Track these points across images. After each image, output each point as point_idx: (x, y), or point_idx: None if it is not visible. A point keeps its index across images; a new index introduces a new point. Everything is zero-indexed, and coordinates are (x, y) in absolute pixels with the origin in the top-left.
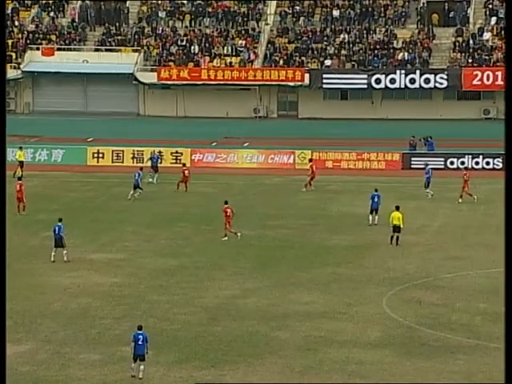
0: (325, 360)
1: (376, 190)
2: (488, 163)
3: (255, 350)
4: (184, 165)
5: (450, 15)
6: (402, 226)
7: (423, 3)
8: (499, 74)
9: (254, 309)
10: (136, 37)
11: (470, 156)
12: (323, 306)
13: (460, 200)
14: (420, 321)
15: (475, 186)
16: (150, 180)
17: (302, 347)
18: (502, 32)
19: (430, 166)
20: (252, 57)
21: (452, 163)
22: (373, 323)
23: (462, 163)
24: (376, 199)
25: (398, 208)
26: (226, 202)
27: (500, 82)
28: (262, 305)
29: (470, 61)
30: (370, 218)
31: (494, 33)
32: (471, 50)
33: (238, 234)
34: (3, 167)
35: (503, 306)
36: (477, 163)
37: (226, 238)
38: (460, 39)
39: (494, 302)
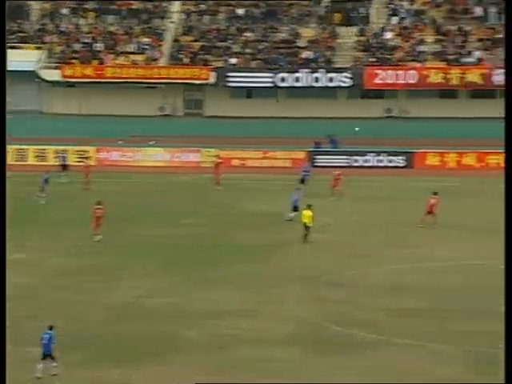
0: (233, 358)
1: (298, 189)
2: (391, 161)
3: (162, 349)
4: (86, 163)
5: (353, 15)
6: (311, 225)
7: (326, 3)
8: (401, 72)
9: (162, 308)
10: (39, 34)
11: (374, 154)
12: (232, 304)
13: (332, 198)
14: (327, 318)
15: (379, 184)
16: (59, 180)
17: (209, 346)
18: (403, 31)
19: (307, 165)
20: (157, 55)
21: (356, 161)
22: (281, 321)
23: (366, 161)
24: (295, 197)
25: (309, 206)
26: (99, 203)
27: (401, 80)
28: (169, 304)
29: (372, 60)
30: (291, 215)
31: (395, 32)
32: (373, 49)
33: (98, 238)
34: (3, 167)
35: (407, 301)
36: (380, 161)
37: (100, 237)
38: (362, 38)
39: (397, 297)
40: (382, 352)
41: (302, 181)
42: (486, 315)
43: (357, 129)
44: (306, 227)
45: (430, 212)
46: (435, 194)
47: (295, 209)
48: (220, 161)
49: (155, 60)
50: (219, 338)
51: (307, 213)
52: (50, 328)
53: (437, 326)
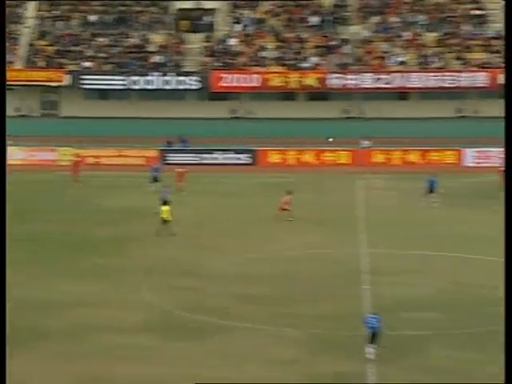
0: (88, 345)
1: (166, 186)
2: (237, 158)
3: (19, 338)
4: None
5: (199, 22)
6: (169, 219)
7: (174, 11)
8: (245, 76)
9: (18, 299)
10: None
11: (221, 152)
12: (88, 295)
13: (185, 192)
14: (178, 306)
15: (226, 180)
16: None
17: (65, 334)
18: (246, 38)
19: (159, 164)
20: (13, 58)
21: (205, 159)
22: (134, 309)
23: (214, 159)
24: (162, 192)
25: (166, 202)
26: None
27: (245, 84)
28: (25, 295)
29: (218, 64)
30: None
31: (239, 39)
32: (219, 55)
33: None
34: (3, 167)
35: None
36: (227, 158)
37: None
38: (208, 44)
39: (244, 286)
40: (231, 336)
41: (155, 178)
42: (328, 300)
43: (330, 139)
44: (165, 221)
45: (283, 209)
46: (289, 192)
47: (165, 203)
48: (79, 159)
49: (11, 63)
50: (77, 327)
51: (165, 208)
52: None
53: (282, 311)
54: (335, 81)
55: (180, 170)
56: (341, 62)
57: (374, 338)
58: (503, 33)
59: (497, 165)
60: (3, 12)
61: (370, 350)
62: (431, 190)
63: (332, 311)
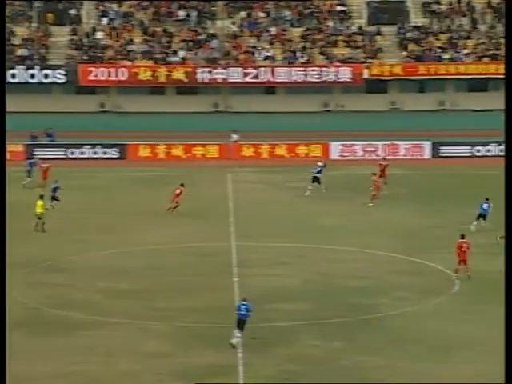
0: None
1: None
2: (105, 153)
3: None
4: None
5: (64, 15)
6: (43, 214)
7: (39, 3)
8: (113, 70)
9: None
10: None
11: (89, 146)
12: None
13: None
14: (44, 302)
15: (95, 174)
16: None
17: None
18: (113, 31)
19: (33, 160)
20: None
21: (73, 153)
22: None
23: (82, 153)
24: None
25: (41, 197)
26: None
27: (113, 77)
28: None
29: (85, 58)
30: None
31: (106, 32)
32: (86, 48)
33: None
34: (3, 167)
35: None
36: (95, 153)
37: None
38: (75, 37)
39: (112, 280)
40: (98, 331)
41: (28, 172)
42: (198, 293)
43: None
44: (39, 217)
45: (175, 201)
46: (182, 185)
47: (55, 198)
48: None
49: None
50: None
51: (39, 202)
52: None
53: (152, 305)
54: (204, 75)
55: (45, 165)
56: (209, 57)
57: (240, 324)
58: (365, 28)
59: (361, 158)
60: (3, 12)
61: (236, 335)
62: (317, 180)
63: (202, 304)
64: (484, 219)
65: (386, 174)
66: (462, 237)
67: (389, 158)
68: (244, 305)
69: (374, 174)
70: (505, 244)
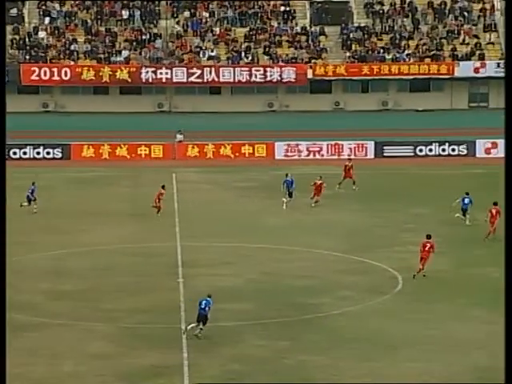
0: None
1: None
2: (48, 153)
3: None
4: None
5: (7, 14)
6: None
7: None
8: (55, 70)
9: None
10: None
11: (31, 146)
12: None
13: None
14: None
15: (36, 175)
16: None
17: None
18: (55, 31)
19: None
20: None
21: (15, 153)
22: None
23: (25, 153)
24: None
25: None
26: None
27: (56, 77)
28: None
29: (27, 57)
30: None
31: (48, 32)
32: (28, 48)
33: None
34: (3, 167)
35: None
36: (38, 153)
37: None
38: (17, 37)
39: (56, 281)
40: (41, 333)
41: None
42: (143, 294)
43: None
44: None
45: (157, 201)
46: (163, 187)
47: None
48: None
49: None
50: None
51: None
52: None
53: (96, 306)
54: (148, 75)
55: None
56: (153, 56)
57: (199, 318)
58: (309, 29)
59: (306, 158)
60: (3, 12)
61: (192, 326)
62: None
63: (148, 305)
64: (464, 215)
65: (352, 174)
66: (428, 236)
67: (353, 157)
68: (206, 300)
69: (321, 178)
70: (505, 244)
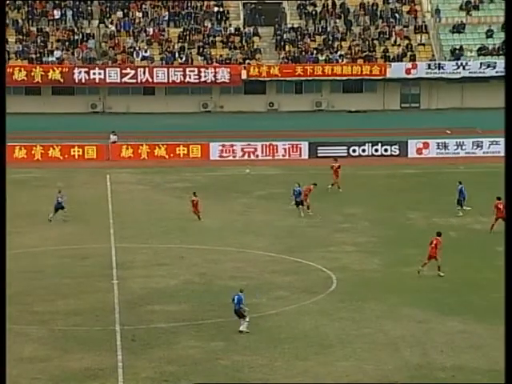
0: None
1: None
2: None
3: None
4: None
5: None
6: None
7: None
8: None
9: None
10: None
11: None
12: None
13: None
14: None
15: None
16: None
17: None
18: None
19: None
20: None
21: None
22: None
23: None
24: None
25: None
26: None
27: None
28: None
29: None
30: None
31: None
32: None
33: None
34: (3, 167)
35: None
36: None
37: None
38: None
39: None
40: None
41: None
42: (76, 296)
43: (247, 170)
44: None
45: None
46: (194, 193)
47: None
48: None
49: None
50: None
51: None
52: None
53: (27, 309)
54: (81, 75)
55: None
56: (86, 57)
57: (237, 313)
58: (243, 29)
59: (241, 158)
60: (3, 12)
61: (241, 323)
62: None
63: (81, 307)
64: (460, 204)
65: (339, 175)
66: (438, 234)
67: (339, 157)
68: (238, 295)
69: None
70: (505, 243)
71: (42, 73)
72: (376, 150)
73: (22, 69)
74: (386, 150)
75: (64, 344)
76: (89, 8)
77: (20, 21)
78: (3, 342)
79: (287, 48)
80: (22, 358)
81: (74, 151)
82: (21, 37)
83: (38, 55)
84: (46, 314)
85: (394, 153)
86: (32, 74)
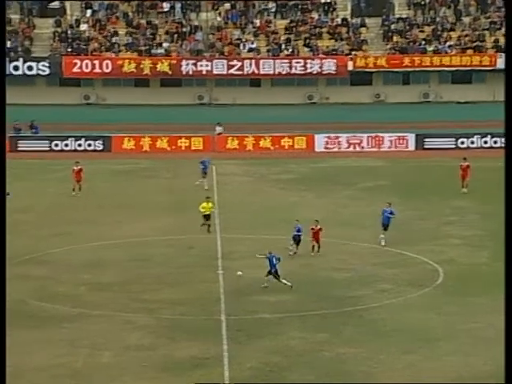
0: None
1: None
2: (89, 145)
3: None
4: None
5: (49, 7)
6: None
7: None
8: (97, 62)
9: None
10: None
11: (73, 138)
12: None
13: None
14: (29, 294)
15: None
16: None
17: None
18: (97, 24)
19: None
20: None
21: (57, 145)
22: None
23: (66, 145)
24: None
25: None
26: None
27: (98, 70)
28: None
29: (69, 50)
30: None
31: (90, 24)
32: (70, 40)
33: None
34: (3, 167)
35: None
36: (79, 145)
37: None
38: (59, 29)
39: (97, 273)
40: (82, 324)
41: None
42: (182, 285)
43: (239, 273)
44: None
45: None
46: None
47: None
48: None
49: None
50: None
51: (206, 205)
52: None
53: (136, 297)
54: (188, 67)
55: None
56: (193, 49)
57: (270, 273)
58: (350, 20)
59: (346, 150)
60: (3, 12)
61: (282, 281)
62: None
63: (187, 296)
64: None
65: (468, 174)
66: None
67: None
68: (273, 256)
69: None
70: (505, 243)
71: (151, 65)
72: (485, 142)
73: (132, 61)
74: (495, 142)
75: (170, 333)
76: (197, 0)
77: (130, 14)
78: (3, 342)
79: (394, 39)
80: (129, 346)
81: (181, 142)
82: (131, 29)
83: (147, 47)
84: (153, 302)
85: (504, 145)
86: (141, 66)
